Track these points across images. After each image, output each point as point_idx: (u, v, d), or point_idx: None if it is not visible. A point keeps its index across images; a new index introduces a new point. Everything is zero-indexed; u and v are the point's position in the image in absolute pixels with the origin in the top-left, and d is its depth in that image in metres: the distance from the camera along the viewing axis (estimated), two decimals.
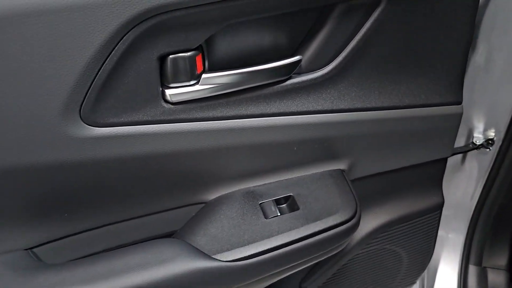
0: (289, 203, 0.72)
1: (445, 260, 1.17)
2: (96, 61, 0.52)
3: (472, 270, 1.14)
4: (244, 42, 0.62)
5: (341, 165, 0.77)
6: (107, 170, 0.60)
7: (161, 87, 0.59)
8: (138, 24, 0.52)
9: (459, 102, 0.80)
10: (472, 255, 1.14)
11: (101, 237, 0.66)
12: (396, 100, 0.74)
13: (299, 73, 0.67)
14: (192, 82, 0.60)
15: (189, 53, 0.58)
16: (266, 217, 0.69)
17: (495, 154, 1.00)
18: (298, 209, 0.70)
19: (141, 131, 0.59)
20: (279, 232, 0.67)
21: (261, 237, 0.66)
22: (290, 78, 0.66)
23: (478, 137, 1.00)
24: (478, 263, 1.14)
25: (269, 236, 0.66)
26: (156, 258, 0.61)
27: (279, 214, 0.70)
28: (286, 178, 0.75)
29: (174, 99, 0.60)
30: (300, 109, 0.68)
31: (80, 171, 0.58)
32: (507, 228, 1.13)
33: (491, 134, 0.98)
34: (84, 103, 0.54)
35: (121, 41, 0.52)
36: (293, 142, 0.70)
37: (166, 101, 0.60)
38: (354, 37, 0.66)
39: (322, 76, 0.67)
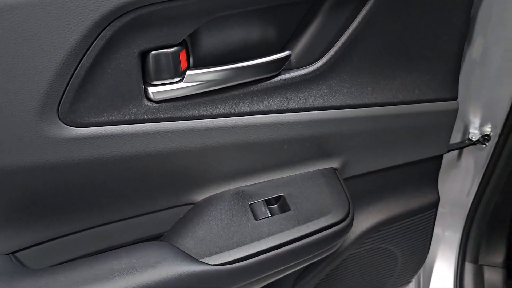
0: (280, 204, 0.70)
1: (441, 258, 1.15)
2: (73, 58, 0.50)
3: (469, 267, 1.12)
4: (230, 37, 0.60)
5: (334, 164, 0.75)
6: (89, 172, 0.57)
7: (144, 84, 0.56)
8: (116, 18, 0.50)
9: (454, 98, 0.78)
10: (468, 253, 1.13)
11: (86, 240, 0.64)
12: (390, 96, 0.72)
13: (289, 69, 0.64)
14: (176, 79, 0.57)
15: (172, 49, 0.55)
16: (256, 219, 0.67)
17: (492, 150, 0.98)
18: (289, 209, 0.68)
19: (123, 131, 0.57)
20: (270, 234, 0.65)
21: (251, 239, 0.64)
22: (279, 74, 0.64)
23: (474, 133, 0.98)
24: (475, 261, 1.12)
25: (259, 238, 0.64)
26: (141, 262, 0.59)
27: (269, 215, 0.68)
28: (276, 177, 0.72)
29: (157, 97, 0.57)
30: (290, 106, 0.66)
31: (60, 173, 0.56)
32: (504, 225, 1.12)
33: (488, 129, 0.96)
34: (61, 102, 0.52)
35: (99, 37, 0.50)
36: (283, 141, 0.68)
37: (149, 100, 0.57)
38: (345, 31, 0.64)
39: (313, 72, 0.65)
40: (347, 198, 0.71)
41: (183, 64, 0.57)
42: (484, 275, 1.11)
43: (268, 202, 0.70)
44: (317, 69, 0.65)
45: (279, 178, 0.72)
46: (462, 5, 0.69)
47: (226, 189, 0.70)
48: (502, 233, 1.12)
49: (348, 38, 0.64)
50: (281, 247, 0.64)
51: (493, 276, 1.11)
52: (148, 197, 0.65)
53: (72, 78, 0.51)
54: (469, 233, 1.11)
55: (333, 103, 0.68)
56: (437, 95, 0.76)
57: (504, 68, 0.87)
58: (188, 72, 0.57)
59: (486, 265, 1.12)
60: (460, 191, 1.06)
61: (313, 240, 0.66)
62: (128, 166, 0.59)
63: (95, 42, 0.50)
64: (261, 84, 0.63)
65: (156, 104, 0.58)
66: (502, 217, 1.10)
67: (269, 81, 0.63)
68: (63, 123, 0.53)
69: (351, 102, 0.69)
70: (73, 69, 0.50)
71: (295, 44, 0.64)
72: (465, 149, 1.02)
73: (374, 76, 0.69)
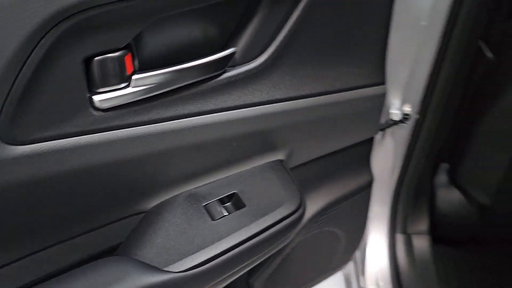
0: (234, 201, 0.70)
1: (373, 232, 1.23)
2: (10, 70, 0.45)
3: (399, 238, 1.21)
4: (175, 37, 0.58)
5: (279, 155, 0.76)
6: (35, 191, 0.53)
7: (89, 93, 0.53)
8: (56, 24, 0.46)
9: (383, 83, 0.83)
10: (397, 224, 1.21)
11: (35, 264, 0.59)
12: (327, 86, 0.75)
13: (234, 66, 0.64)
14: (122, 85, 0.54)
15: (117, 53, 0.52)
16: (213, 219, 0.66)
17: (412, 128, 1.06)
18: (244, 206, 0.68)
19: (71, 145, 0.53)
20: (229, 233, 0.65)
21: (211, 240, 0.63)
22: (225, 72, 0.63)
23: (396, 113, 1.05)
24: (404, 231, 1.21)
25: (219, 238, 0.64)
26: (103, 281, 0.56)
27: (226, 213, 0.68)
28: (227, 175, 0.72)
29: (104, 105, 0.54)
30: (237, 103, 0.66)
31: (3, 195, 0.51)
32: (426, 196, 1.22)
33: (407, 109, 1.04)
34: (0, 118, 0.47)
35: (39, 45, 0.46)
36: (232, 138, 0.68)
37: (96, 108, 0.54)
38: (284, 26, 0.65)
39: (256, 67, 0.65)
40: (297, 187, 0.73)
41: (129, 68, 0.54)
42: (413, 243, 1.21)
43: (222, 201, 0.69)
44: (260, 64, 0.66)
45: (230, 175, 0.72)
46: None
47: (178, 192, 0.68)
48: (425, 203, 1.22)
49: (287, 32, 0.65)
50: (242, 244, 0.65)
51: (421, 243, 1.21)
52: (98, 210, 0.61)
53: (11, 91, 0.46)
54: (396, 206, 1.20)
55: (277, 97, 0.69)
56: (367, 81, 0.80)
57: (418, 52, 0.94)
58: (135, 77, 0.55)
59: (414, 233, 1.22)
60: (386, 168, 1.14)
61: (271, 232, 0.67)
62: (77, 181, 0.55)
63: (34, 51, 0.46)
64: (208, 83, 0.62)
65: (103, 113, 0.54)
66: (424, 189, 1.20)
67: (216, 79, 0.62)
68: (3, 141, 0.48)
69: (293, 94, 0.71)
70: (11, 82, 0.46)
71: (238, 41, 0.64)
72: (388, 129, 1.09)
73: (313, 67, 0.71)
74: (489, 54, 1.01)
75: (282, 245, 0.74)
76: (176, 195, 0.68)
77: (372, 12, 0.73)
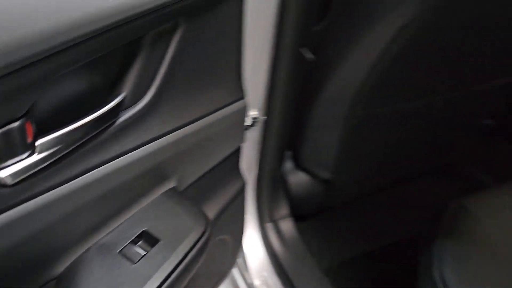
0: (146, 238, 0.70)
1: (247, 229, 1.34)
2: None
3: (269, 226, 1.34)
4: (67, 95, 0.56)
5: (172, 183, 0.79)
6: None
7: None
8: None
9: (243, 97, 0.92)
10: (264, 215, 1.34)
11: None
12: (203, 110, 0.80)
13: (125, 110, 0.65)
14: (26, 154, 0.51)
15: (17, 123, 0.49)
16: (133, 262, 0.66)
17: (262, 129, 1.19)
18: (158, 240, 0.70)
19: None
20: (154, 271, 0.65)
21: (139, 284, 0.64)
22: (119, 117, 0.63)
23: (247, 119, 1.16)
24: (271, 220, 1.35)
25: (147, 279, 0.64)
26: None
27: (143, 253, 0.68)
28: (129, 215, 0.72)
29: (10, 181, 0.50)
30: (133, 144, 0.66)
31: None
32: (281, 185, 1.38)
33: (255, 113, 1.16)
34: None
35: None
36: (132, 179, 0.68)
37: (3, 185, 0.49)
38: (162, 64, 0.68)
39: (144, 106, 0.67)
40: (197, 208, 0.77)
41: (30, 135, 0.51)
42: (280, 228, 1.36)
43: (135, 242, 0.69)
44: (147, 103, 0.68)
45: (133, 215, 0.72)
46: (237, 24, 0.81)
47: (87, 246, 0.66)
48: (282, 191, 1.38)
49: (165, 69, 0.69)
50: (169, 277, 0.66)
51: (287, 226, 1.37)
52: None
53: None
54: (261, 200, 1.33)
55: (165, 130, 0.72)
56: (232, 99, 0.88)
57: (256, 63, 1.07)
58: (38, 142, 0.52)
59: (280, 219, 1.37)
60: (249, 168, 1.25)
61: (190, 258, 0.71)
62: None
63: None
64: (106, 132, 0.62)
65: (10, 188, 0.50)
66: (279, 179, 1.36)
67: (113, 126, 0.62)
68: None
69: (178, 124, 0.75)
70: None
71: (125, 85, 0.64)
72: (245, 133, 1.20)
73: (190, 96, 0.76)
74: (309, 55, 1.19)
75: (196, 267, 0.77)
76: (86, 250, 0.66)
77: (230, 38, 0.81)
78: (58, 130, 0.54)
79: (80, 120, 0.57)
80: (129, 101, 0.65)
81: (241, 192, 1.06)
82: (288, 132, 1.27)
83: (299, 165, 1.43)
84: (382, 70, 1.08)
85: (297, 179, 1.44)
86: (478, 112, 1.47)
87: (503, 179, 1.20)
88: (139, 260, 0.67)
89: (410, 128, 1.36)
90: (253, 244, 1.33)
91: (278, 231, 1.35)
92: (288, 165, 1.45)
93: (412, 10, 0.93)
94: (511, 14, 1.12)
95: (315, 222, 1.60)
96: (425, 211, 1.75)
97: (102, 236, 0.68)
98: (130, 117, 0.65)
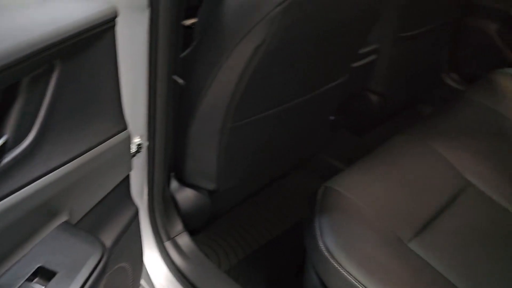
0: (44, 274, 0.72)
1: (147, 252, 1.39)
2: None
3: (168, 245, 1.41)
4: None
5: (64, 217, 0.83)
6: None
7: None
8: None
9: (126, 128, 0.99)
10: (162, 235, 1.41)
11: None
12: (88, 143, 0.85)
13: (9, 150, 0.68)
14: None
15: None
16: None
17: (147, 154, 1.27)
18: (55, 273, 0.71)
19: None
20: None
21: None
22: (3, 158, 0.66)
23: (132, 147, 1.22)
24: (169, 238, 1.42)
25: None
26: None
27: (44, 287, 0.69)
28: (22, 254, 0.73)
29: None
30: (21, 183, 0.70)
31: None
32: (172, 204, 1.46)
33: (139, 140, 1.24)
34: None
35: None
36: (23, 217, 0.71)
37: None
38: (43, 102, 0.72)
39: (29, 145, 0.71)
40: (92, 236, 0.81)
41: None
42: (179, 244, 1.44)
43: (30, 279, 0.70)
44: (31, 141, 0.72)
45: (26, 253, 0.74)
46: (111, 60, 0.87)
47: None
48: (173, 209, 1.46)
49: (47, 107, 0.73)
50: None
51: (184, 240, 1.45)
52: None
53: None
54: (155, 221, 1.39)
55: (52, 165, 0.77)
56: (116, 130, 0.94)
57: (135, 94, 1.14)
58: None
59: (176, 236, 1.45)
60: (140, 193, 1.31)
61: (90, 285, 0.73)
62: None
63: None
64: None
65: None
66: (169, 198, 1.44)
67: None
68: None
69: (64, 159, 0.80)
70: None
71: (6, 127, 0.68)
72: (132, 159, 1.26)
73: (74, 131, 0.81)
74: (180, 81, 1.31)
75: None
76: None
77: (104, 75, 0.86)
78: None
79: None
80: (12, 142, 0.69)
81: (134, 219, 1.11)
82: (171, 153, 1.36)
83: (185, 182, 1.53)
84: (245, 85, 1.24)
85: (185, 195, 1.53)
86: (323, 110, 1.74)
87: (350, 161, 1.47)
88: None
89: (275, 131, 1.55)
90: (155, 264, 1.39)
91: (177, 246, 1.43)
92: (174, 184, 1.54)
93: (262, 33, 1.11)
94: (345, 25, 1.37)
95: (207, 232, 1.71)
96: (300, 198, 2.00)
97: None
98: (14, 158, 0.69)
